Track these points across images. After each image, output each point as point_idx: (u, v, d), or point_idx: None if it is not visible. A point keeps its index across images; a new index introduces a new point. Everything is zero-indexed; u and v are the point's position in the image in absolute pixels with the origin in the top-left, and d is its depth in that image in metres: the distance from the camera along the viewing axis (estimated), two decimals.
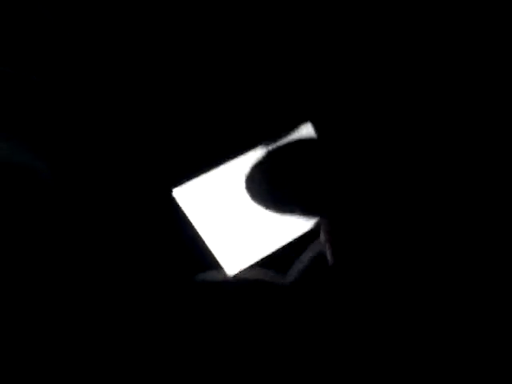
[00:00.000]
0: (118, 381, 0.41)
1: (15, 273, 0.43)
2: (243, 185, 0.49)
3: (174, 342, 0.41)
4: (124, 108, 0.49)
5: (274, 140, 0.50)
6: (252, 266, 0.48)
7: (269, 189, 0.43)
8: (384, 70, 0.57)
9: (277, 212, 0.42)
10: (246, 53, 0.54)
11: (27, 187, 0.46)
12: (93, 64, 0.48)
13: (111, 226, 0.45)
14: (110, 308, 0.43)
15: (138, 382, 0.41)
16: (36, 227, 0.45)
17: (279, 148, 0.49)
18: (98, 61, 0.48)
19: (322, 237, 0.47)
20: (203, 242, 0.47)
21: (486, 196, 0.51)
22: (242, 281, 0.42)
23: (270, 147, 0.50)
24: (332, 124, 0.55)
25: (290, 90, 0.56)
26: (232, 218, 0.49)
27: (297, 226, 0.50)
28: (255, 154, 0.50)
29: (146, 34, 0.50)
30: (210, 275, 0.46)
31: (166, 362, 0.42)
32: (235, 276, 0.47)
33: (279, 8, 0.53)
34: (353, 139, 0.53)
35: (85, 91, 0.48)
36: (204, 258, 0.47)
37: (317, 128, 0.54)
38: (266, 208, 0.45)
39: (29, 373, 0.40)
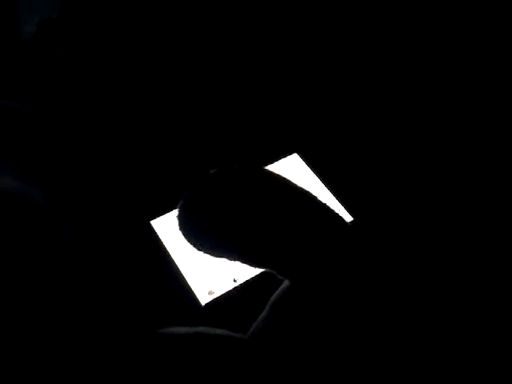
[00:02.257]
0: None
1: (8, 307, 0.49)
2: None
3: None
4: (111, 140, 0.57)
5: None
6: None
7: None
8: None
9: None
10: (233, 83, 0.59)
11: (19, 216, 0.54)
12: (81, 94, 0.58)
13: (92, 255, 0.50)
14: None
15: None
16: (30, 258, 0.52)
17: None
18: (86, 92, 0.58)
19: None
20: (178, 271, 0.49)
21: (486, 196, 0.45)
22: (202, 335, 0.42)
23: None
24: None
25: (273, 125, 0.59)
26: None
27: None
28: None
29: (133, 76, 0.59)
30: (174, 329, 0.46)
31: None
32: (205, 307, 0.47)
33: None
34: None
35: (75, 122, 0.58)
36: (178, 287, 0.48)
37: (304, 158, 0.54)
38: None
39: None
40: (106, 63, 0.66)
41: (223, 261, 0.48)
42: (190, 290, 0.48)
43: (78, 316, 0.44)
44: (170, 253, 0.50)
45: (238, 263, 0.48)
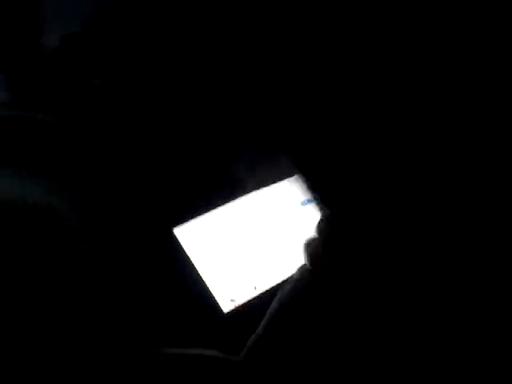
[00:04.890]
0: None
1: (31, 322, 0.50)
2: (241, 225, 0.52)
3: None
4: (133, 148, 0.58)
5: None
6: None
7: None
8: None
9: None
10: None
11: (48, 231, 0.55)
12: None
13: (114, 264, 0.51)
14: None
15: None
16: (56, 271, 0.53)
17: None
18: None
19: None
20: (201, 279, 0.50)
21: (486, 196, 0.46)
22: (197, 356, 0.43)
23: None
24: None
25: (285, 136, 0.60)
26: (229, 257, 0.51)
27: (289, 266, 0.50)
28: (254, 196, 0.53)
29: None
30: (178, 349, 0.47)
31: None
32: (227, 315, 0.48)
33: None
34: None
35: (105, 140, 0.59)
36: (201, 295, 0.49)
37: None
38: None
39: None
40: (128, 77, 0.68)
41: (245, 268, 0.49)
42: (213, 297, 0.49)
43: (95, 321, 0.45)
44: (193, 261, 0.51)
45: (258, 271, 0.49)
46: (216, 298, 0.49)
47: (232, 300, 0.49)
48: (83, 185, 0.57)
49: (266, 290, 0.49)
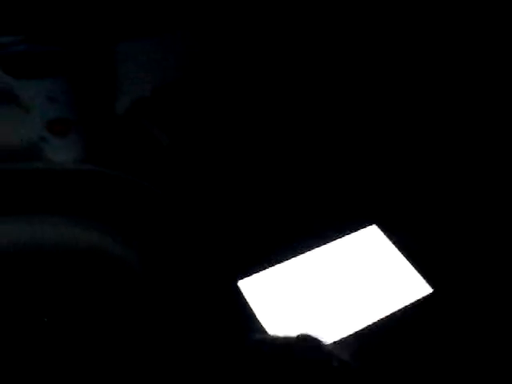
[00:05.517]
0: None
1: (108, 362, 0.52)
2: (307, 280, 0.53)
3: None
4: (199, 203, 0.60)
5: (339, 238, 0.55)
6: None
7: None
8: None
9: None
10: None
11: (122, 278, 0.57)
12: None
13: (180, 314, 0.52)
14: None
15: None
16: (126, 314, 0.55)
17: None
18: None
19: None
20: (266, 333, 0.50)
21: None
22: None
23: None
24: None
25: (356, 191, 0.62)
26: (294, 310, 0.51)
27: (352, 323, 0.50)
28: (320, 251, 0.55)
29: None
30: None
31: None
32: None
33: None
34: None
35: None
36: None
37: (383, 229, 0.57)
38: None
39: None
40: (193, 137, 0.72)
41: (308, 323, 0.49)
42: None
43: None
44: (257, 314, 0.51)
45: (322, 326, 0.49)
46: None
47: None
48: (149, 237, 0.60)
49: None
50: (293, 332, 0.36)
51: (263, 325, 0.51)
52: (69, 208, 0.63)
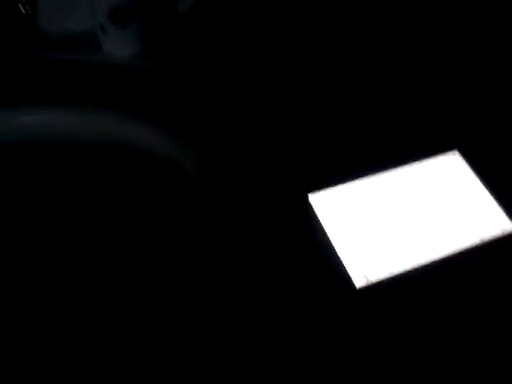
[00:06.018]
0: None
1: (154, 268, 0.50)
2: (379, 202, 0.50)
3: None
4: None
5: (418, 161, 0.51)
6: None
7: None
8: None
9: None
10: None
11: (168, 181, 0.55)
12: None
13: (243, 224, 0.49)
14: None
15: None
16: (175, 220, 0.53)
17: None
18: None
19: None
20: (334, 251, 0.48)
21: None
22: None
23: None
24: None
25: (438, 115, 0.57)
26: (365, 231, 0.48)
27: (429, 250, 0.47)
28: (395, 174, 0.51)
29: None
30: None
31: None
32: (359, 290, 0.46)
33: None
34: None
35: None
36: (332, 266, 0.47)
37: (464, 156, 0.52)
38: None
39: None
40: (260, 37, 0.67)
41: (381, 246, 0.46)
42: (345, 271, 0.47)
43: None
44: (326, 231, 0.49)
45: (394, 251, 0.46)
46: (349, 272, 0.47)
47: (364, 276, 0.47)
48: (210, 142, 0.56)
49: (401, 273, 0.46)
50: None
51: (331, 240, 0.48)
52: (125, 104, 0.61)
